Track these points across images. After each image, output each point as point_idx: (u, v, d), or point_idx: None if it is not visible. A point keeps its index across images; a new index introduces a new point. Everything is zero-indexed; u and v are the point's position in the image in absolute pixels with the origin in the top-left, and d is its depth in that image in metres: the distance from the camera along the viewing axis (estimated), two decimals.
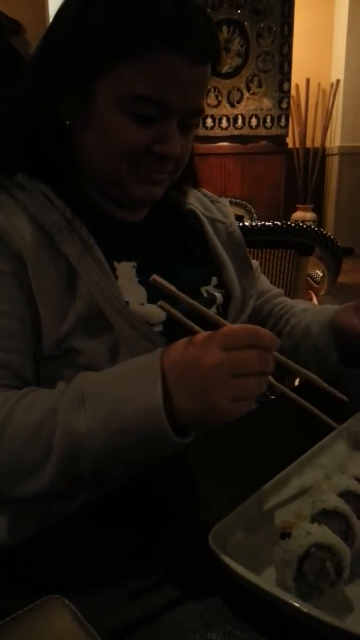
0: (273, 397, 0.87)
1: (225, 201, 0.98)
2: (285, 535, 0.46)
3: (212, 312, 0.81)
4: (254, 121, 4.96)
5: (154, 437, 0.52)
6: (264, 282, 1.02)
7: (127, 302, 0.71)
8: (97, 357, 0.68)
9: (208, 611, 0.46)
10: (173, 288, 0.53)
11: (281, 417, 0.67)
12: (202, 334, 0.53)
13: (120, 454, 0.54)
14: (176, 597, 0.48)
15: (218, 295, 0.85)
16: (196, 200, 0.93)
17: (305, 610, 0.42)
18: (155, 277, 0.52)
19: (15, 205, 0.69)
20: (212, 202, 0.95)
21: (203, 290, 0.84)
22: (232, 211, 0.97)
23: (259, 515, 0.55)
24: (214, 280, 0.86)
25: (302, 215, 5.23)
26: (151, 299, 0.75)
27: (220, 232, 0.91)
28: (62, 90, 0.70)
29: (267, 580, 0.46)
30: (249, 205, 3.46)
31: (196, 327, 0.54)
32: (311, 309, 0.96)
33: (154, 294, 0.75)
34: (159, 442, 0.53)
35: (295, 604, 0.42)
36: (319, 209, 5.55)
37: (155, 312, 0.73)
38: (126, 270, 0.75)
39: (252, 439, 0.73)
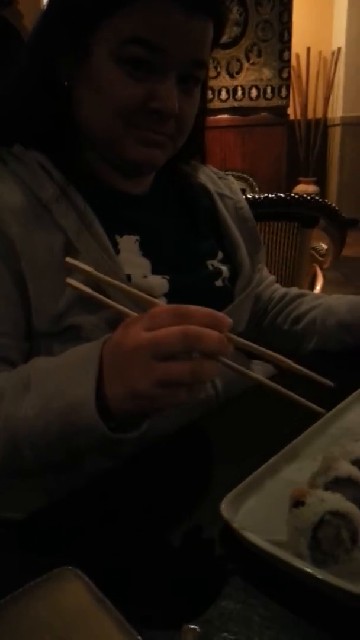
0: None
1: (232, 178, 0.96)
2: (298, 503, 0.46)
3: (217, 284, 0.82)
4: (254, 92, 4.87)
5: (87, 429, 0.50)
6: (263, 267, 1.02)
7: (130, 276, 0.70)
8: (98, 332, 0.66)
9: (221, 581, 0.46)
10: (90, 269, 0.50)
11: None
12: (134, 317, 0.49)
13: (59, 444, 0.53)
14: (189, 567, 0.47)
15: (224, 268, 0.84)
16: (205, 175, 0.91)
17: (320, 577, 0.42)
18: (68, 259, 0.49)
19: (10, 177, 0.67)
20: (219, 178, 0.94)
21: (209, 263, 0.83)
22: (239, 188, 0.96)
23: (270, 484, 0.55)
24: (220, 254, 0.85)
25: (305, 189, 5.17)
26: (155, 271, 0.74)
27: (229, 208, 0.90)
28: (60, 48, 0.68)
29: (280, 549, 0.45)
30: (250, 179, 3.42)
31: (110, 303, 0.51)
32: (325, 296, 0.97)
33: (159, 266, 0.74)
34: (94, 435, 0.50)
35: (311, 571, 0.42)
36: (321, 181, 5.48)
37: (158, 284, 0.72)
38: (129, 243, 0.73)
39: (259, 412, 0.73)
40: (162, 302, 0.50)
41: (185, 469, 0.61)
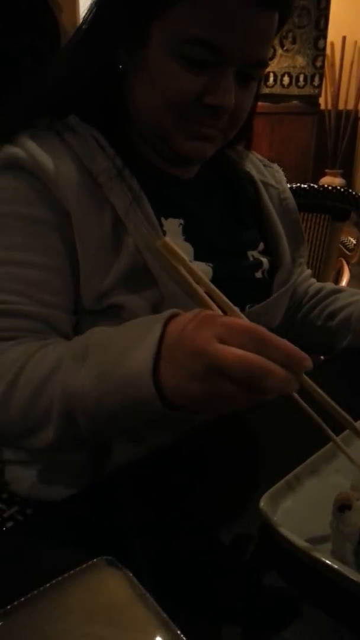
0: None
1: (277, 167, 0.93)
2: (345, 507, 0.44)
3: (257, 275, 0.80)
4: (286, 79, 4.78)
5: (142, 403, 0.48)
6: (304, 263, 0.99)
7: None
8: (140, 313, 0.66)
9: (260, 580, 0.45)
10: (184, 256, 0.46)
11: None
12: (211, 313, 0.47)
13: (114, 416, 0.52)
14: (228, 564, 0.46)
15: (265, 260, 0.82)
16: (251, 163, 0.89)
17: None
18: (167, 238, 0.46)
19: (65, 149, 0.66)
20: (264, 166, 0.91)
21: (249, 254, 0.81)
22: (284, 178, 0.93)
23: (308, 484, 0.54)
24: (261, 245, 0.83)
25: (331, 180, 5.09)
26: (198, 257, 0.72)
27: (273, 198, 0.88)
28: (118, 34, 0.66)
29: (322, 551, 0.44)
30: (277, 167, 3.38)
31: (194, 285, 0.47)
32: (356, 290, 0.95)
33: (201, 252, 0.73)
34: (149, 408, 0.49)
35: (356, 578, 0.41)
36: (348, 174, 5.39)
37: (203, 270, 0.71)
38: (173, 226, 0.72)
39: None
40: (239, 311, 0.47)
41: (222, 463, 0.60)
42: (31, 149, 0.64)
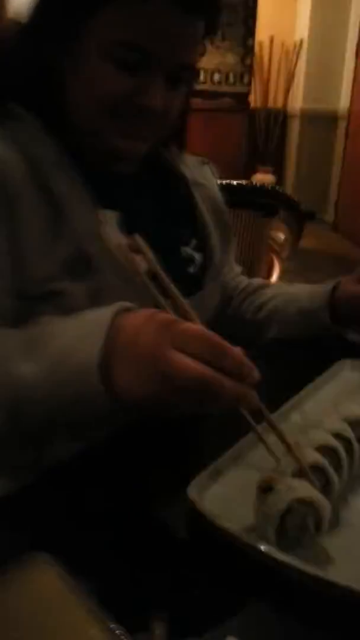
0: None
1: (207, 168, 0.96)
2: (267, 489, 0.47)
3: (190, 270, 0.82)
4: (216, 77, 4.85)
5: (89, 395, 0.49)
6: (232, 258, 1.02)
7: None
8: (79, 300, 0.67)
9: (189, 566, 0.46)
10: (151, 256, 0.48)
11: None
12: (163, 316, 0.47)
13: (59, 408, 0.52)
14: (158, 554, 0.48)
15: (197, 256, 0.84)
16: (183, 163, 0.91)
17: (294, 564, 0.43)
18: (137, 237, 0.48)
19: (5, 134, 0.66)
20: (196, 166, 0.94)
21: (182, 249, 0.83)
22: (214, 178, 0.96)
23: (235, 469, 0.56)
24: (193, 242, 0.86)
25: (262, 177, 5.21)
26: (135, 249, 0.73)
27: (204, 197, 0.90)
28: (54, 33, 0.67)
29: (247, 533, 0.46)
30: (210, 164, 3.42)
31: (152, 288, 0.49)
32: (287, 285, 0.98)
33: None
34: (94, 402, 0.49)
35: (282, 557, 0.43)
36: (279, 171, 5.54)
37: (139, 261, 0.72)
38: (110, 218, 0.73)
39: None
40: (198, 320, 0.48)
41: (151, 455, 0.61)
42: None
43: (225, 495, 0.52)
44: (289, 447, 0.50)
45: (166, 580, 0.45)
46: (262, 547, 0.45)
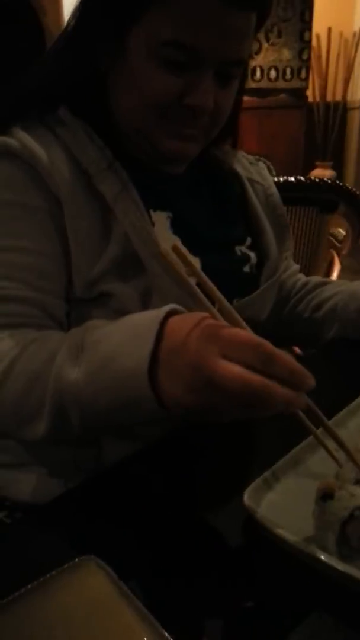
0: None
1: (262, 164, 0.95)
2: (327, 496, 0.44)
3: (245, 269, 0.80)
4: (272, 73, 4.77)
5: (136, 400, 0.48)
6: (290, 256, 0.99)
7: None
8: (129, 301, 0.67)
9: (244, 574, 0.45)
10: (195, 263, 0.47)
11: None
12: (211, 322, 0.45)
13: (107, 412, 0.52)
14: (211, 559, 0.46)
15: (252, 255, 0.83)
16: (236, 161, 0.89)
17: (356, 574, 0.40)
18: (177, 243, 0.46)
19: (55, 140, 0.67)
20: (250, 164, 0.92)
21: (237, 249, 0.82)
22: (269, 175, 0.94)
23: (293, 475, 0.54)
24: (249, 240, 0.84)
25: (321, 173, 5.08)
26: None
27: (259, 194, 0.89)
28: (99, 36, 0.67)
29: (306, 542, 0.44)
30: (267, 162, 3.38)
31: (199, 295, 0.46)
32: (347, 282, 0.95)
33: (189, 245, 0.73)
34: (142, 407, 0.48)
35: (344, 568, 0.41)
36: (338, 166, 5.39)
37: (193, 260, 0.71)
38: (161, 219, 0.73)
39: None
40: (244, 322, 0.46)
41: (206, 459, 0.60)
42: (24, 139, 0.65)
43: (283, 502, 0.50)
44: (349, 453, 0.47)
45: (219, 590, 0.43)
46: (323, 557, 0.42)
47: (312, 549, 0.43)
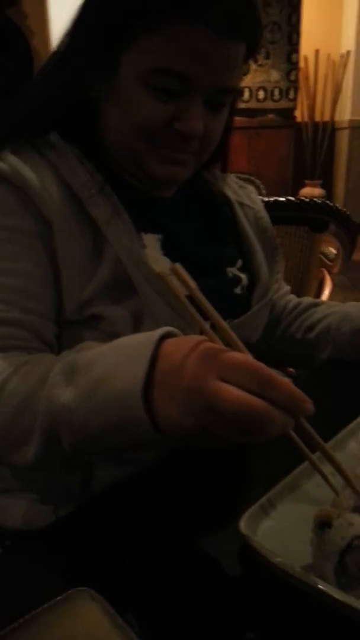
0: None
1: (251, 188, 0.96)
2: (324, 525, 0.44)
3: (236, 291, 0.80)
4: (261, 94, 4.86)
5: (129, 422, 0.47)
6: (281, 278, 0.99)
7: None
8: (120, 324, 0.66)
9: (241, 602, 0.44)
10: (193, 285, 0.46)
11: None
12: (208, 345, 0.45)
13: (99, 434, 0.50)
14: (207, 588, 0.45)
15: (243, 276, 0.83)
16: (226, 184, 0.90)
17: (355, 604, 0.40)
18: (177, 265, 0.46)
19: (45, 164, 0.67)
20: (240, 187, 0.93)
21: (228, 271, 0.82)
22: (258, 198, 0.95)
23: (289, 501, 0.53)
24: (239, 262, 0.84)
25: (311, 192, 5.15)
26: None
27: (248, 217, 0.89)
28: (89, 61, 0.67)
29: (303, 570, 0.43)
30: (257, 181, 3.42)
31: (197, 316, 0.46)
32: (339, 304, 0.95)
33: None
34: (136, 430, 0.47)
35: (342, 597, 0.40)
36: (327, 185, 5.46)
37: (180, 286, 0.71)
38: (152, 241, 0.72)
39: None
40: (243, 346, 0.45)
41: (201, 484, 0.59)
42: (14, 163, 0.65)
43: (280, 529, 0.49)
44: (347, 479, 0.47)
45: (218, 621, 0.42)
46: (321, 586, 0.42)
47: (312, 579, 0.42)
